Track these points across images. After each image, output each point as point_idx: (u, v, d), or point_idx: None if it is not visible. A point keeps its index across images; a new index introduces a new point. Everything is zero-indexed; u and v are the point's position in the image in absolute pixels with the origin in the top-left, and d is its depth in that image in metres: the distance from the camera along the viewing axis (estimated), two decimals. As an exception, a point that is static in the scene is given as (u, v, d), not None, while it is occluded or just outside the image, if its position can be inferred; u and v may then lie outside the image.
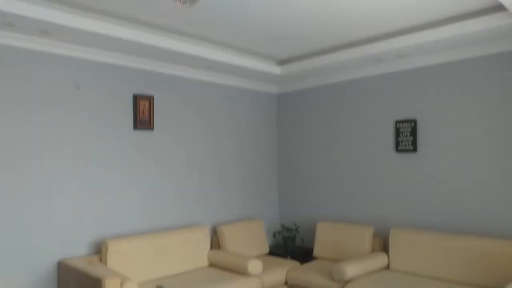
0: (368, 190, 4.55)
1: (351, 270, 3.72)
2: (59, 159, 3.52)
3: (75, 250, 3.59)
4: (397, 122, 4.28)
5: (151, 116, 4.05)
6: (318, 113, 5.03)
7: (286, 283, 4.22)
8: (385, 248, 4.29)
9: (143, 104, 3.99)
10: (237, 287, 3.70)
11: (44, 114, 3.44)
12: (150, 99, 4.04)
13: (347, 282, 3.76)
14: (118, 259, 3.57)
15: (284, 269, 4.23)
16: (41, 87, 3.42)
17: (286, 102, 5.39)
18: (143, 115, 4.00)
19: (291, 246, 4.87)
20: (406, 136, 4.21)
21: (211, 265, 4.26)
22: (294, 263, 4.38)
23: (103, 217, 3.77)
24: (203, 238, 4.24)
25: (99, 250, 3.71)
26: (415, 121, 4.15)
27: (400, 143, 4.26)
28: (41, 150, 3.41)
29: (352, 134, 4.70)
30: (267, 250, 4.80)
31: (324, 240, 4.52)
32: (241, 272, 3.92)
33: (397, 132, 4.28)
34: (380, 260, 4.01)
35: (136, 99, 3.95)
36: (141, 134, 4.04)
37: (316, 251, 4.57)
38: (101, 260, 3.60)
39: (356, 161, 4.66)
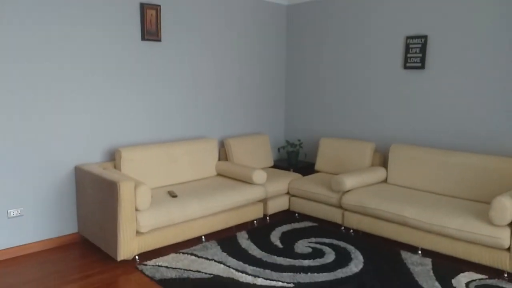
0: (373, 107, 4.62)
1: (349, 181, 3.94)
2: (72, 70, 3.58)
3: (91, 157, 3.81)
4: (407, 38, 4.21)
5: (159, 26, 4.02)
6: (328, 27, 4.93)
7: (288, 192, 4.49)
8: (385, 164, 4.48)
9: (150, 14, 3.93)
10: (243, 194, 3.97)
11: (56, 25, 3.43)
12: (157, 8, 3.97)
13: (345, 192, 4.00)
14: (131, 166, 3.80)
15: (287, 179, 4.48)
16: (47, -6, 3.38)
17: (296, 15, 5.25)
18: (150, 25, 3.96)
19: (294, 160, 5.08)
20: (416, 53, 4.17)
21: (219, 175, 4.50)
22: (297, 175, 4.62)
23: (116, 127, 3.93)
24: (212, 149, 4.43)
25: (113, 157, 3.93)
26: (425, 37, 4.08)
27: (408, 59, 4.23)
28: (54, 61, 3.47)
29: (360, 50, 4.65)
30: (271, 163, 5.03)
31: (326, 154, 4.71)
32: (246, 181, 4.16)
33: (407, 48, 4.23)
34: (379, 173, 4.21)
35: (143, 8, 3.89)
36: (149, 45, 4.04)
37: (318, 165, 4.78)
38: (115, 167, 3.83)
39: (363, 78, 4.67)
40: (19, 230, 3.46)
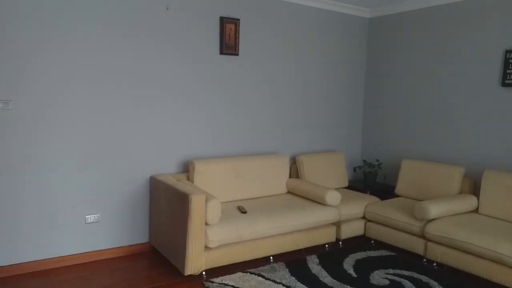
0: (463, 128, 4.18)
1: (435, 208, 3.56)
2: (154, 82, 3.67)
3: (165, 168, 3.85)
4: (507, 52, 3.77)
5: (237, 40, 4.01)
6: (412, 41, 4.60)
7: (364, 216, 4.18)
8: (475, 192, 4.02)
9: (229, 28, 3.94)
10: (314, 215, 3.76)
11: (136, 37, 3.56)
12: (236, 22, 3.97)
13: (429, 221, 3.62)
14: (203, 179, 3.77)
15: (363, 202, 4.18)
16: (131, 8, 3.51)
17: (378, 28, 4.99)
18: (228, 39, 3.96)
19: (372, 181, 4.76)
20: (517, 69, 3.71)
21: (289, 192, 4.34)
22: (374, 198, 4.30)
23: (191, 139, 3.95)
24: (283, 165, 4.29)
25: (186, 169, 3.95)
26: (529, 52, 3.62)
27: (508, 76, 3.77)
28: (136, 74, 3.58)
29: (451, 65, 4.26)
30: (346, 183, 4.75)
31: (409, 178, 4.34)
32: (318, 201, 3.94)
33: (506, 63, 3.78)
34: (469, 202, 3.77)
35: (222, 22, 3.90)
36: (227, 59, 4.04)
37: (399, 189, 4.42)
38: (188, 178, 3.83)
39: (453, 95, 4.26)
40: (94, 236, 3.57)
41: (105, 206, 3.59)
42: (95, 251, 3.58)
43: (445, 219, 3.57)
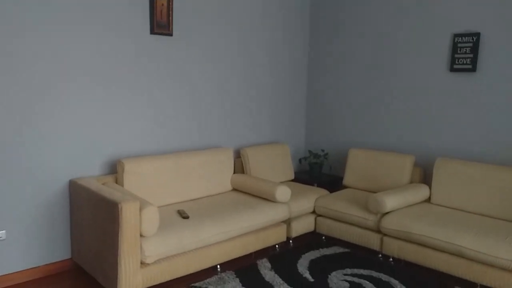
0: (413, 115, 4.05)
1: (390, 201, 3.36)
2: (66, 68, 3.02)
3: (88, 170, 3.24)
4: (455, 36, 3.65)
5: (170, 18, 3.46)
6: (356, 22, 4.37)
7: (313, 211, 3.91)
8: (425, 181, 3.91)
9: (161, 3, 3.38)
10: (265, 214, 3.40)
11: (43, 12, 2.88)
12: (168, -2, 3.43)
13: (384, 214, 3.42)
14: (135, 181, 3.23)
15: (312, 196, 3.90)
16: (38, -24, 2.83)
17: (320, 8, 4.70)
18: (160, 17, 3.41)
19: (318, 173, 4.52)
20: (465, 53, 3.60)
21: (235, 189, 3.93)
22: (323, 191, 4.04)
23: (118, 134, 3.36)
24: (227, 161, 3.86)
25: (114, 170, 3.37)
26: (478, 35, 3.52)
27: (456, 60, 3.67)
28: (48, 59, 2.91)
29: (396, 48, 4.09)
30: (292, 176, 4.46)
31: (357, 168, 4.13)
32: (267, 198, 3.59)
33: (454, 48, 3.67)
34: (422, 192, 3.63)
35: (152, -3, 3.34)
36: (158, 40, 3.48)
37: (347, 180, 4.21)
38: (116, 181, 3.26)
39: (401, 81, 4.10)
40: (1, 257, 2.89)
41: (11, 220, 2.91)
42: (3, 275, 2.90)
43: (400, 212, 3.40)
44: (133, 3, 3.29)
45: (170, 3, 3.43)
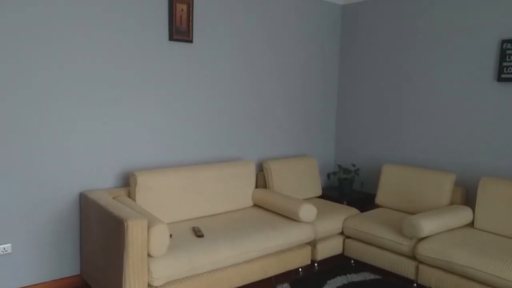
0: (453, 129, 3.67)
1: (427, 225, 3.00)
2: (79, 76, 2.89)
3: (100, 182, 3.08)
4: (503, 42, 3.27)
5: (190, 24, 3.28)
6: (393, 30, 4.05)
7: (342, 232, 3.59)
8: (467, 202, 3.52)
9: (180, 9, 3.21)
10: (287, 235, 3.12)
11: (58, 18, 2.76)
12: (188, 2, 3.25)
13: (421, 239, 3.06)
14: (148, 195, 3.04)
15: (341, 216, 3.58)
16: (53, -21, 2.72)
17: (352, 16, 4.41)
18: (180, 23, 3.23)
19: (348, 190, 4.19)
20: (516, 61, 3.22)
21: (256, 206, 3.68)
22: (353, 210, 3.71)
23: (132, 146, 3.20)
24: (248, 174, 3.62)
25: (127, 183, 3.19)
26: (531, 41, 3.14)
27: (505, 69, 3.28)
28: (53, 68, 2.79)
29: (436, 57, 3.73)
30: (320, 192, 4.15)
31: (391, 185, 3.78)
32: (290, 217, 3.31)
33: (502, 55, 3.28)
34: (464, 215, 3.24)
35: (171, 1, 3.17)
36: (178, 47, 3.31)
37: (380, 198, 3.85)
38: (129, 195, 3.08)
39: (440, 92, 3.74)
40: (5, 272, 2.75)
41: (18, 233, 2.78)
42: (7, 291, 2.77)
43: (439, 237, 3.03)
44: (152, 9, 3.14)
45: (190, 9, 3.26)
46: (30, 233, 2.82)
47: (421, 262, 3.06)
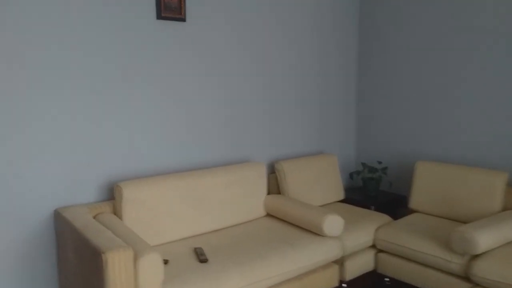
0: (502, 119, 3.07)
1: (485, 239, 2.42)
2: (48, 65, 2.31)
3: (79, 195, 2.51)
4: None
5: (182, 0, 2.69)
6: (422, 10, 3.43)
7: (373, 245, 3.01)
8: (524, 205, 2.93)
9: (169, -22, 2.62)
10: (309, 254, 2.57)
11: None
12: (179, -29, 2.65)
13: (475, 256, 2.48)
14: (138, 210, 2.47)
15: (371, 225, 3.01)
16: None
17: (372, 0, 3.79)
18: (169, -4, 2.64)
19: (375, 191, 3.61)
20: None
21: (269, 215, 3.10)
22: (384, 217, 3.13)
23: (118, 149, 2.62)
24: (258, 178, 3.04)
25: (113, 195, 2.62)
26: None
27: None
28: (25, 53, 2.21)
29: (477, 33, 3.12)
30: (342, 195, 3.57)
31: (427, 186, 3.19)
32: (312, 230, 2.74)
33: None
34: (525, 223, 2.65)
35: (158, -30, 2.57)
36: (167, 26, 2.71)
37: (414, 202, 3.27)
38: (114, 211, 2.51)
39: (485, 76, 3.13)
40: (-39, 313, 2.21)
41: (-23, 264, 2.23)
42: (-35, 337, 2.23)
43: (499, 253, 2.44)
44: (135, -21, 2.54)
45: (183, -21, 2.66)
46: (-8, 264, 2.27)
47: (477, 285, 2.47)
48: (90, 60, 2.45)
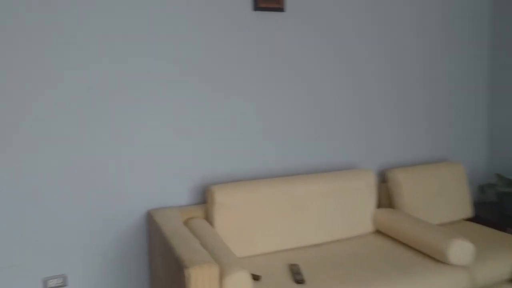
0: None
1: None
2: (142, 72, 2.25)
3: (173, 197, 2.42)
4: None
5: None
6: None
7: (512, 279, 2.41)
8: None
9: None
10: (429, 285, 2.10)
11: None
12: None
13: None
14: (230, 216, 2.28)
15: (509, 253, 2.40)
16: None
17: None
18: (268, -16, 2.40)
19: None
20: None
21: (379, 231, 2.68)
22: (527, 244, 2.49)
23: (212, 152, 2.47)
24: (366, 188, 2.65)
25: (205, 199, 2.48)
26: None
27: None
28: (104, 64, 2.19)
29: None
30: (469, 213, 2.97)
31: None
32: (433, 256, 2.26)
33: None
34: None
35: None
36: (263, 18, 2.48)
37: None
38: (206, 216, 2.35)
39: None
40: (60, 309, 2.25)
41: (75, 261, 2.25)
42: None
43: None
44: (234, -33, 2.36)
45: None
46: (87, 263, 2.28)
47: None
48: (186, 61, 2.33)
